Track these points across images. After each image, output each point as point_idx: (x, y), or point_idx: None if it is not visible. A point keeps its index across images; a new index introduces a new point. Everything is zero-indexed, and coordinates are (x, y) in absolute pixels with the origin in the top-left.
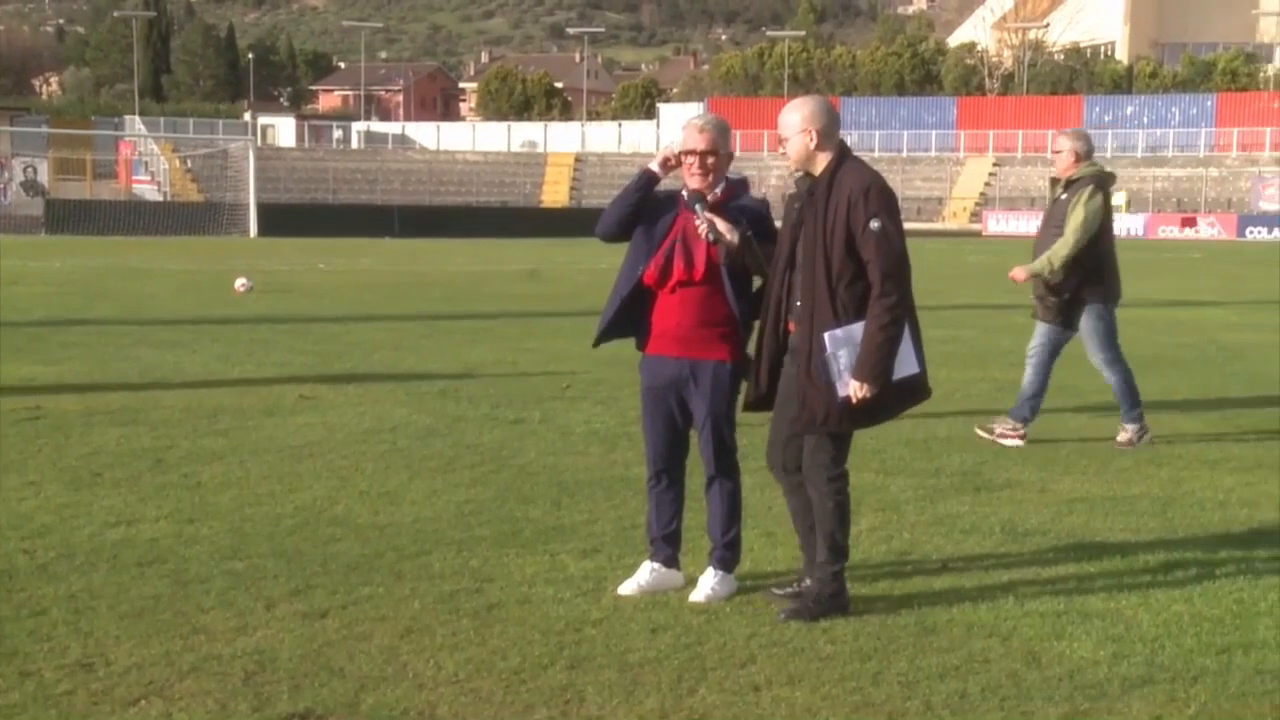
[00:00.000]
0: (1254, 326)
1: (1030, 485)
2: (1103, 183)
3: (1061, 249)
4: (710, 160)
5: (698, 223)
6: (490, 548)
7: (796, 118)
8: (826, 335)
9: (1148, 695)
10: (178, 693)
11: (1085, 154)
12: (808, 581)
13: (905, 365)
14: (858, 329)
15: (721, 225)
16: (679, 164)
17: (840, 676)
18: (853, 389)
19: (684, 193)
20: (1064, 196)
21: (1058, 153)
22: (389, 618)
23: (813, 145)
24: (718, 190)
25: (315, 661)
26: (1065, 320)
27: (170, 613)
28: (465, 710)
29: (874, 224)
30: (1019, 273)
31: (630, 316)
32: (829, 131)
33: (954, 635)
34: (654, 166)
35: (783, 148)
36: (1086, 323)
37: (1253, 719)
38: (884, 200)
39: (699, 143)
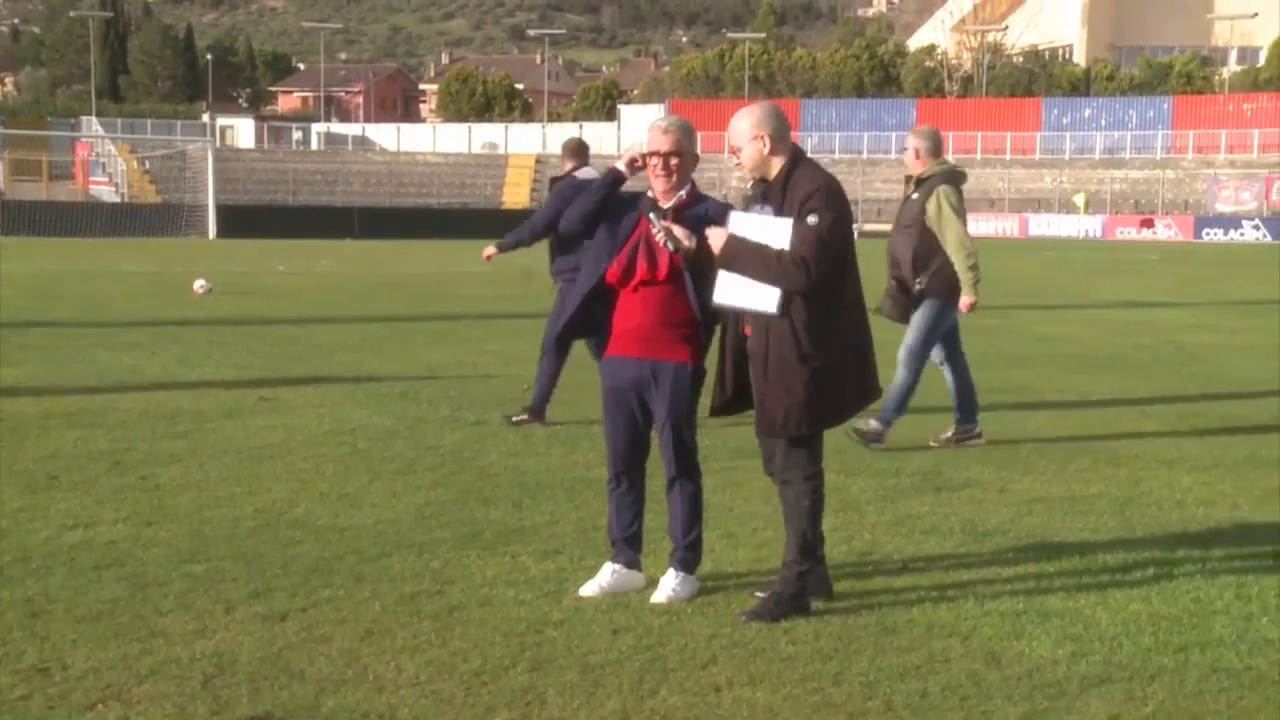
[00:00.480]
0: (1211, 327)
1: (990, 485)
2: (953, 179)
3: (964, 261)
4: (674, 162)
5: (655, 231)
6: (451, 549)
7: (746, 124)
8: (763, 213)
9: (1106, 694)
10: (135, 696)
11: (929, 151)
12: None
13: (750, 299)
14: (775, 224)
15: (679, 232)
16: (645, 165)
17: (801, 677)
18: (716, 234)
19: (647, 194)
20: (914, 196)
21: (905, 150)
22: (349, 620)
23: (766, 150)
24: (683, 193)
25: (275, 664)
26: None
27: (128, 616)
28: (426, 713)
29: (811, 218)
30: (967, 302)
31: (593, 315)
32: (780, 135)
33: (914, 635)
34: (620, 165)
35: (736, 158)
36: (920, 313)
37: (1209, 717)
38: (831, 201)
39: (663, 144)
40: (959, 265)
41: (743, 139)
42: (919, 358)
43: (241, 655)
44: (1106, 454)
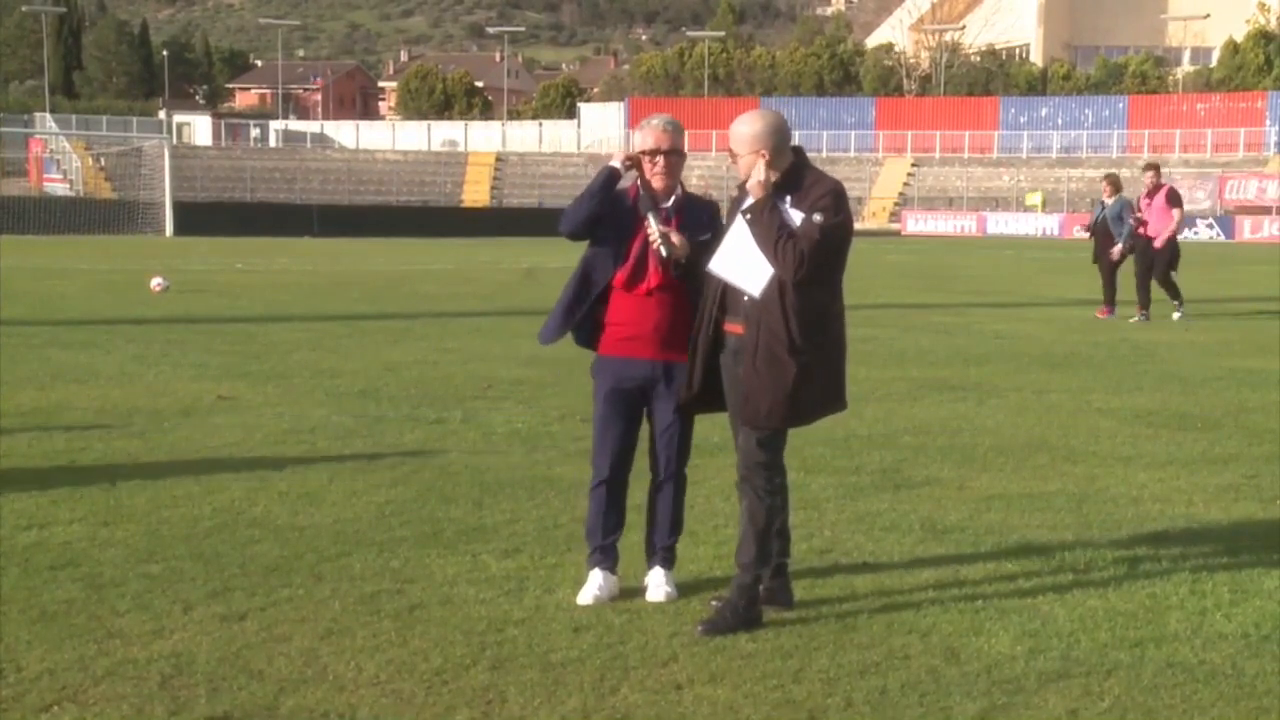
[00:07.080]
0: (1165, 325)
1: (949, 482)
2: None
3: None
4: (673, 159)
5: (649, 231)
6: (411, 548)
7: (747, 134)
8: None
9: (1063, 689)
10: (92, 698)
11: None
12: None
13: (740, 276)
14: (792, 216)
15: (676, 239)
16: (639, 163)
17: (762, 674)
18: (760, 183)
19: (640, 195)
20: None
21: None
22: (309, 619)
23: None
24: (677, 190)
25: (234, 664)
26: None
27: (84, 616)
28: (386, 712)
29: (816, 216)
30: None
31: (588, 315)
32: (780, 150)
33: (874, 632)
34: (616, 164)
35: (733, 161)
36: None
37: (1164, 711)
38: (839, 204)
39: (664, 142)
40: None
41: (743, 148)
42: None
43: (200, 655)
44: (1064, 451)
